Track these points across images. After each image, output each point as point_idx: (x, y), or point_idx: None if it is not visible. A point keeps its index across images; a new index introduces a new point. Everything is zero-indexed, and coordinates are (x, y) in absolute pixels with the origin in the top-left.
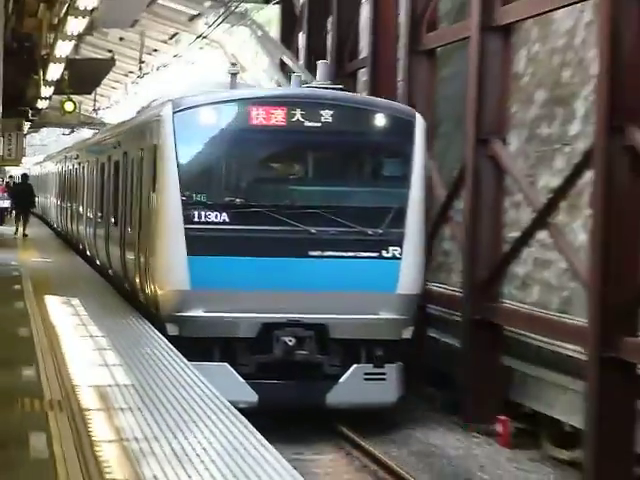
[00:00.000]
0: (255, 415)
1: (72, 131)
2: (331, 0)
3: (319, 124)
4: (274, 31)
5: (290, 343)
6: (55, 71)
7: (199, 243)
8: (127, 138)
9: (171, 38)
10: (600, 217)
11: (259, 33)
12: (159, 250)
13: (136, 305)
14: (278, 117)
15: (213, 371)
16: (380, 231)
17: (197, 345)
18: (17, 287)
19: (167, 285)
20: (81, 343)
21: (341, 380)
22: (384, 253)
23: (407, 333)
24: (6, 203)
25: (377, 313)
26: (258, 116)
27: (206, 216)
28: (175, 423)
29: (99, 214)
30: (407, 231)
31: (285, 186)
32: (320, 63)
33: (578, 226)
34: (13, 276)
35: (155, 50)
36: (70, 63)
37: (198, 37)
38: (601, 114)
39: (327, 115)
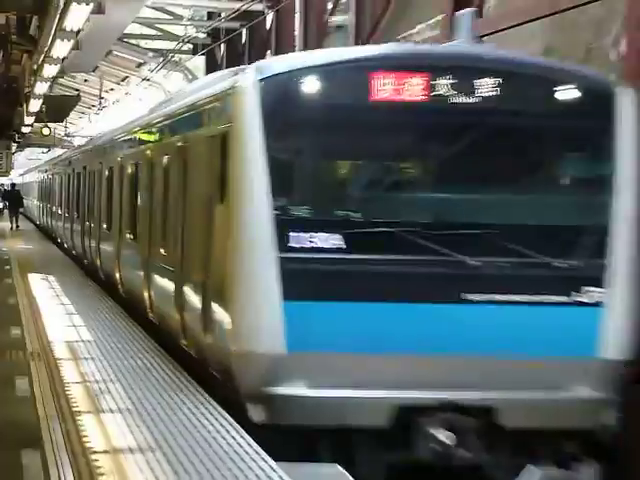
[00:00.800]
0: None
1: (49, 150)
2: (243, 51)
3: (477, 100)
4: (201, 75)
5: (447, 441)
6: (35, 105)
7: (300, 281)
8: (154, 134)
9: (123, 80)
10: None
11: (190, 77)
12: (234, 290)
13: (176, 355)
14: (415, 89)
15: (319, 476)
16: (572, 262)
17: (295, 437)
18: (7, 267)
19: (249, 345)
20: (55, 309)
21: None
22: (578, 296)
23: (609, 418)
24: None
25: (568, 389)
26: (385, 87)
27: (311, 240)
28: (126, 369)
29: (105, 226)
30: (613, 262)
31: (428, 195)
32: (462, 13)
33: None
34: (3, 259)
35: (111, 89)
36: (46, 99)
37: (143, 80)
38: None
39: (488, 86)
